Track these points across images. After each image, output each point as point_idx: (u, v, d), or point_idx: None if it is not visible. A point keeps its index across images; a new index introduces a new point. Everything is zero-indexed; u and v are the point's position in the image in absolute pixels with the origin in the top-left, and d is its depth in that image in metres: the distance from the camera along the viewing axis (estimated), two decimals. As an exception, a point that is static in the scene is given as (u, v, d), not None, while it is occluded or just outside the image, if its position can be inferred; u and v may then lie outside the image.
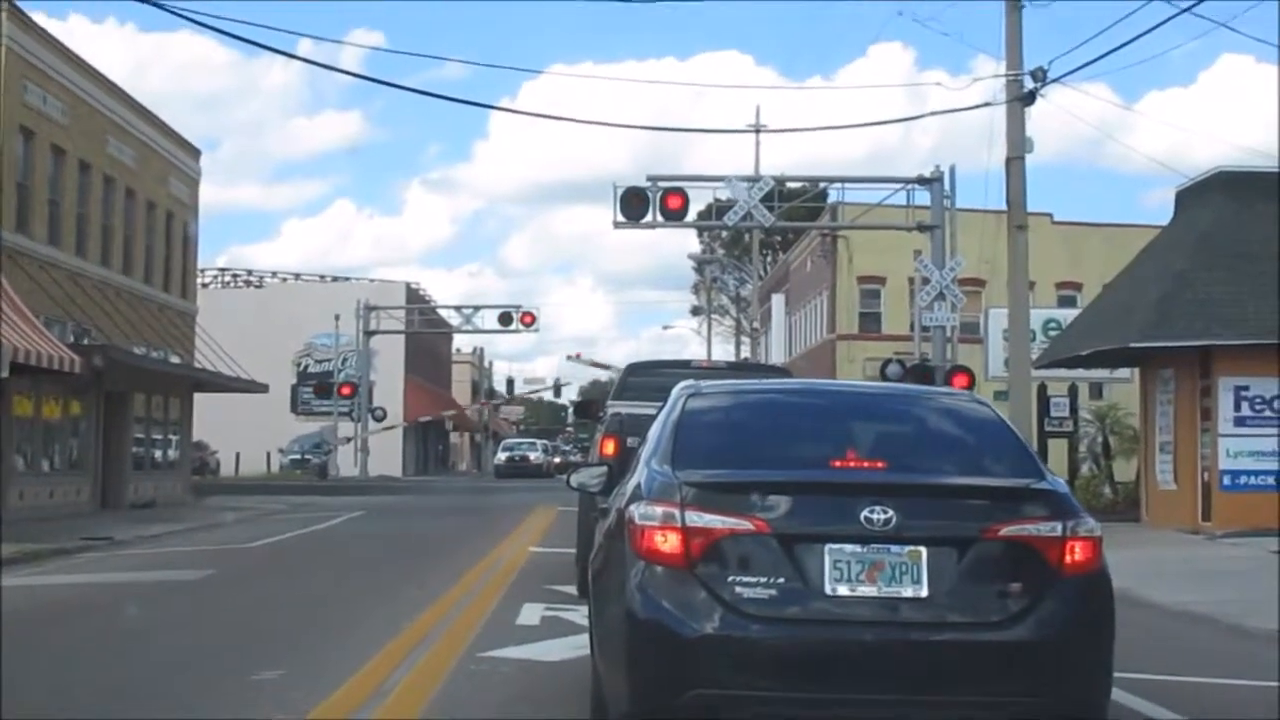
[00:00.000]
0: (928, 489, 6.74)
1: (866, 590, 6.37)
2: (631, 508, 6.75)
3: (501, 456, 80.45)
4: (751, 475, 6.71)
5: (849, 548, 6.40)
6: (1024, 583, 6.43)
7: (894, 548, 6.40)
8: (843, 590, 6.37)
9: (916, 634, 6.35)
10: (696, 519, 6.45)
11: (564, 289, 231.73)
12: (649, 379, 17.34)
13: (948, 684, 6.33)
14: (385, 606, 14.62)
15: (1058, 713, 6.36)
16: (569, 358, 52.79)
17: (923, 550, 6.41)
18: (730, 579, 6.36)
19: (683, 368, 18.18)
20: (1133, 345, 26.33)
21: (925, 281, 32.44)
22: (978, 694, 6.34)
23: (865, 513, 6.39)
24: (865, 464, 6.91)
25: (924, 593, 6.38)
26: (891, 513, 6.40)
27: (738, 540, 6.42)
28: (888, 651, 6.32)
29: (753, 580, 6.36)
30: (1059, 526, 6.53)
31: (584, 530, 15.02)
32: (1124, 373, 35.12)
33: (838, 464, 6.87)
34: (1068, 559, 6.49)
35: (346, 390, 65.97)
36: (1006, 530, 6.48)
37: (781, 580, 6.36)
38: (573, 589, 15.23)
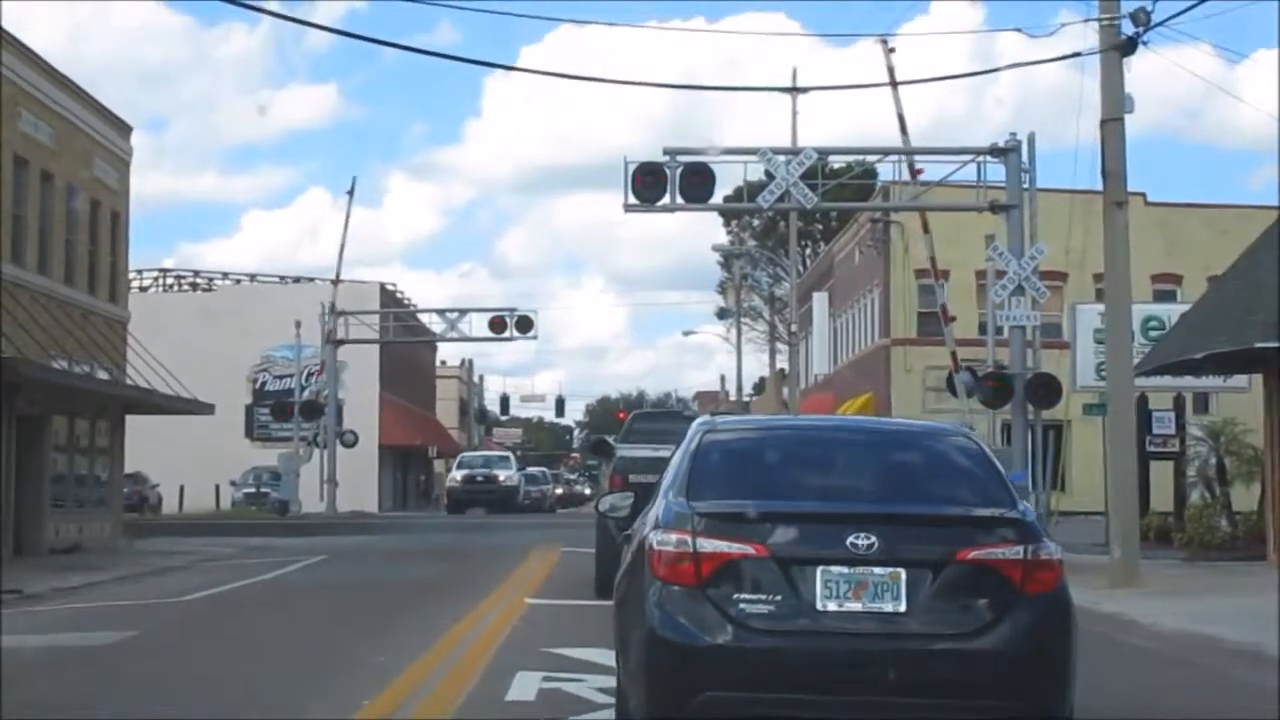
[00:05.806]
0: (906, 518, 8.90)
1: (853, 606, 8.56)
2: (651, 535, 9.00)
3: (457, 476, 67.97)
4: (755, 506, 8.88)
5: (837, 569, 8.58)
6: (990, 600, 8.58)
7: (877, 569, 8.55)
8: (832, 606, 8.56)
9: (896, 644, 8.53)
10: (707, 545, 8.65)
11: (569, 291, 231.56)
12: (651, 425, 24.83)
13: (924, 687, 8.48)
14: (342, 676, 14.43)
15: (1020, 713, 8.46)
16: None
17: (902, 571, 8.57)
18: (736, 597, 8.56)
19: (678, 416, 27.37)
20: (1259, 346, 25.54)
21: (1000, 274, 31.64)
22: (950, 696, 8.49)
23: (851, 539, 8.54)
24: (853, 495, 9.15)
25: (903, 608, 8.56)
26: (874, 539, 8.54)
27: (742, 564, 8.61)
28: (871, 659, 8.48)
29: (755, 598, 8.55)
30: (1021, 550, 8.67)
31: (602, 540, 20.63)
32: (1239, 381, 34.26)
33: (830, 495, 9.16)
34: (1029, 580, 8.61)
35: (310, 411, 65.14)
36: (975, 554, 8.63)
37: (780, 598, 8.55)
38: (578, 653, 15.29)
